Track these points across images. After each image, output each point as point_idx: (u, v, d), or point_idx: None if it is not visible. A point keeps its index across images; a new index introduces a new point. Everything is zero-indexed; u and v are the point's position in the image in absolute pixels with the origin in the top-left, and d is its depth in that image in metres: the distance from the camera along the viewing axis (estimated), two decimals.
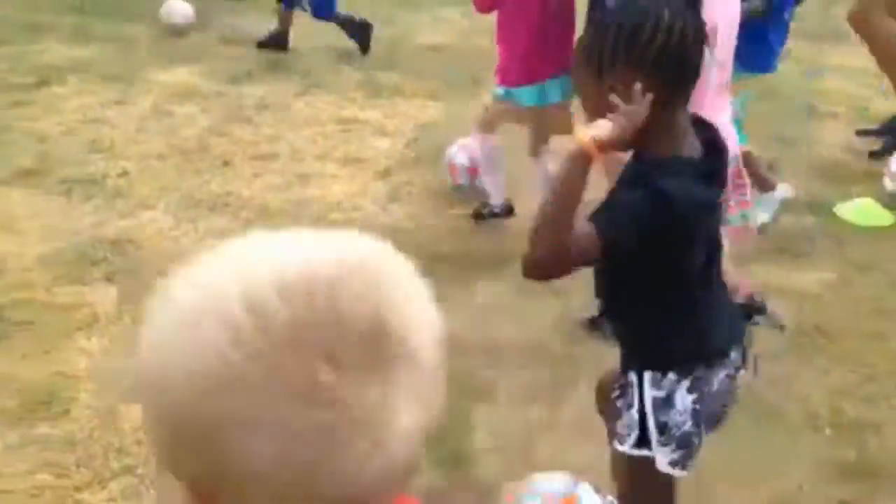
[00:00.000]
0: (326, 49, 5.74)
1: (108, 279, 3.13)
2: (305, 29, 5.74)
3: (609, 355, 2.77)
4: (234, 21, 6.15)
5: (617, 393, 1.68)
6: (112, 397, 2.46)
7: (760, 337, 2.47)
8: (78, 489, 2.23)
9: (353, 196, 3.91)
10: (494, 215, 3.67)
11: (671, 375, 1.59)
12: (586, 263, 1.56)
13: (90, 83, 5.05)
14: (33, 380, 2.58)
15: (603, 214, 1.50)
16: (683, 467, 1.63)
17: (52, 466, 2.28)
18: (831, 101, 5.22)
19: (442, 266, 3.14)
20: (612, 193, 1.59)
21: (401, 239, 0.88)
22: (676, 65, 1.51)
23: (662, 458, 1.61)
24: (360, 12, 5.74)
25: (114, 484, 2.23)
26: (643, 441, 1.61)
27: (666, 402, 1.59)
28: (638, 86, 1.47)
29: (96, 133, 4.36)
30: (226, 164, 4.12)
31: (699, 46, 1.53)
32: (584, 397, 2.32)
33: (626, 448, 1.64)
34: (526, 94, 3.29)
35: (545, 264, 1.52)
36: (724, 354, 1.65)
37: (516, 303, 3.09)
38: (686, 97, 1.56)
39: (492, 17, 3.37)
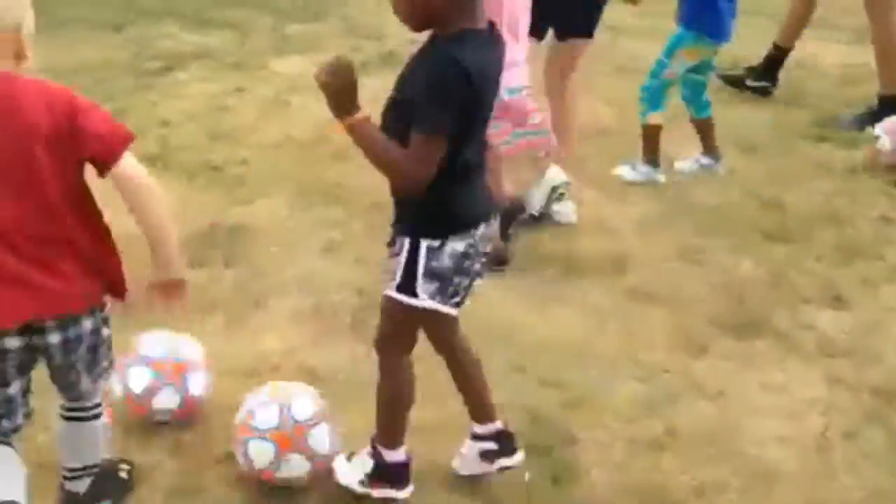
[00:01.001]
0: None
1: (226, 264, 3.27)
2: None
3: (722, 370, 2.79)
4: (351, 11, 6.30)
5: (394, 248, 1.98)
6: (229, 380, 2.57)
7: None
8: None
9: None
10: None
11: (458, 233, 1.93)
12: (440, 160, 1.81)
13: (212, 70, 5.26)
14: None
15: (421, 116, 1.79)
16: (443, 301, 1.96)
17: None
18: None
19: None
20: (413, 79, 1.85)
21: None
22: None
23: (423, 293, 1.92)
24: None
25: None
26: (406, 288, 1.93)
27: (438, 253, 1.91)
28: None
29: (217, 120, 4.55)
30: (340, 155, 4.23)
31: None
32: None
33: (389, 292, 1.98)
34: None
35: (408, 184, 1.87)
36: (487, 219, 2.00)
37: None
38: None
39: None
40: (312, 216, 3.69)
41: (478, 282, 2.09)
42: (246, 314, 3.01)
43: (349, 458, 2.22)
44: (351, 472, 2.18)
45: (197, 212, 3.60)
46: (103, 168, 1.82)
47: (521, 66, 3.03)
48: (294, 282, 3.20)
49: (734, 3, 3.83)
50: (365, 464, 2.16)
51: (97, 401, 2.07)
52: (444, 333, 2.15)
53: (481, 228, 1.96)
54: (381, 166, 1.89)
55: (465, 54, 1.76)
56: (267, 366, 2.73)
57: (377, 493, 2.16)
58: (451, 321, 2.10)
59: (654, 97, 3.93)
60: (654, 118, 3.96)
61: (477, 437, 2.25)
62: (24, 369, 1.89)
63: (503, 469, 2.26)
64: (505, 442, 2.25)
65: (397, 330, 2.07)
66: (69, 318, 1.86)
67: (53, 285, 1.81)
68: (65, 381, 1.98)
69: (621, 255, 3.49)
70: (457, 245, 1.92)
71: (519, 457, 2.27)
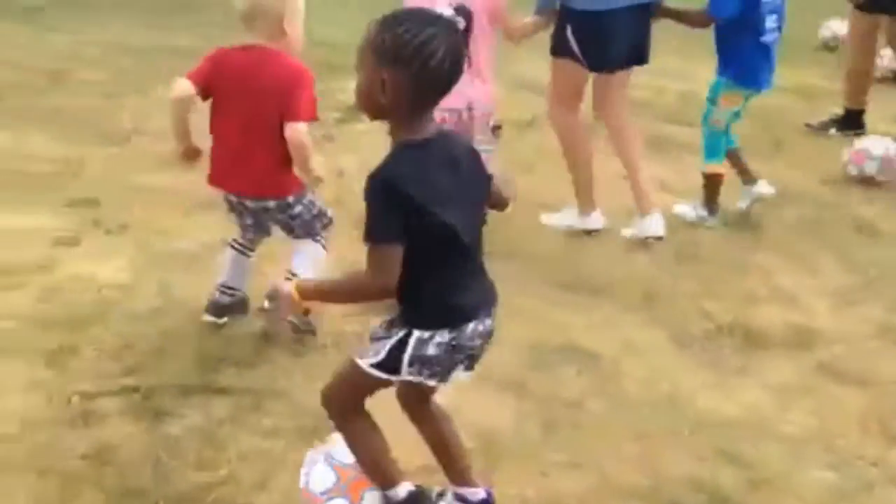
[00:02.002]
0: None
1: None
2: None
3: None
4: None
5: (381, 331, 2.01)
6: None
7: None
8: None
9: None
10: None
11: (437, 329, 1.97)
12: (400, 267, 1.87)
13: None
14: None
15: (364, 228, 1.88)
16: (429, 377, 2.00)
17: None
18: None
19: None
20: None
21: None
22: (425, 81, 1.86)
23: (405, 374, 1.98)
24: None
25: None
26: (386, 367, 1.98)
27: (426, 343, 1.96)
28: None
29: None
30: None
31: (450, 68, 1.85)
32: None
33: (363, 362, 2.01)
34: None
35: (378, 295, 1.94)
36: (478, 315, 2.01)
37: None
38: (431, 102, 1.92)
39: None
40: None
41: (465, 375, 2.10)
42: None
43: None
44: None
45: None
46: (286, 121, 2.87)
47: None
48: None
49: (767, 50, 3.93)
50: None
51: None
52: (416, 394, 2.17)
53: (472, 324, 2.00)
54: (351, 298, 2.14)
55: (392, 169, 1.89)
56: None
57: None
58: (426, 391, 2.13)
59: (709, 146, 4.09)
60: (711, 167, 4.10)
61: (462, 501, 2.25)
62: None
63: None
64: None
65: (359, 392, 2.10)
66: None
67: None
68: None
69: (808, 328, 3.29)
70: (445, 336, 1.97)
71: None
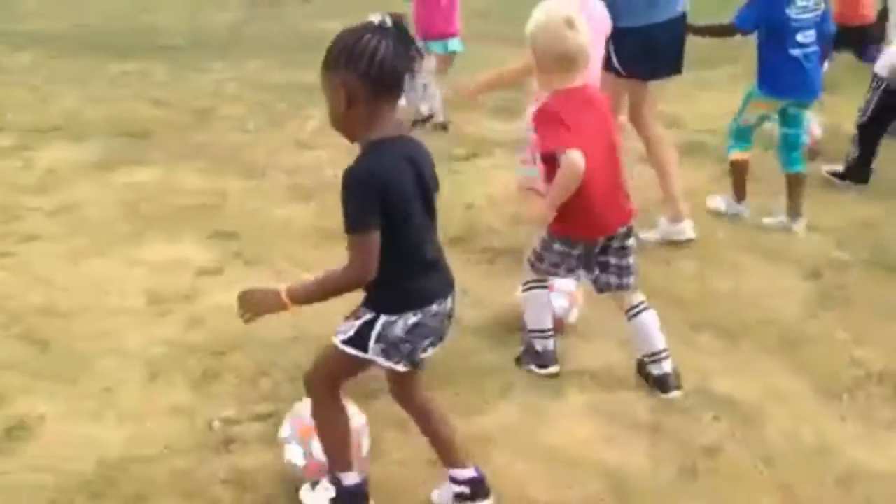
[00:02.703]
0: None
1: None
2: None
3: None
4: None
5: (353, 314, 2.26)
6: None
7: None
8: None
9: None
10: None
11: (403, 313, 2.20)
12: (377, 254, 2.10)
13: (514, 157, 5.49)
14: None
15: (344, 219, 2.09)
16: (398, 362, 2.24)
17: None
18: None
19: None
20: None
21: None
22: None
23: (372, 353, 2.22)
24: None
25: None
26: (355, 343, 2.23)
27: (392, 325, 2.20)
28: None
29: (518, 207, 4.72)
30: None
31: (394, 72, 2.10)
32: None
33: (336, 339, 2.26)
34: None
35: (360, 283, 2.15)
36: (438, 298, 2.25)
37: None
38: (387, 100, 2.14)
39: None
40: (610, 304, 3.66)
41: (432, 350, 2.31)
42: (542, 403, 3.02)
43: (313, 487, 2.44)
44: (316, 499, 2.42)
45: (498, 294, 3.72)
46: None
47: None
48: (590, 372, 3.17)
49: (798, 62, 4.18)
50: (328, 489, 2.42)
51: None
52: (401, 388, 2.44)
53: (434, 306, 2.24)
54: (336, 293, 2.17)
55: (365, 162, 2.13)
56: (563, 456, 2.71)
57: None
58: (407, 377, 2.36)
59: (736, 136, 4.50)
60: (736, 154, 4.51)
61: (453, 480, 2.45)
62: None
63: None
64: (477, 488, 2.44)
65: (334, 373, 2.35)
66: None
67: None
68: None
69: None
70: (410, 319, 2.21)
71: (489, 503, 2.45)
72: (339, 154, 5.43)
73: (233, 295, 3.58)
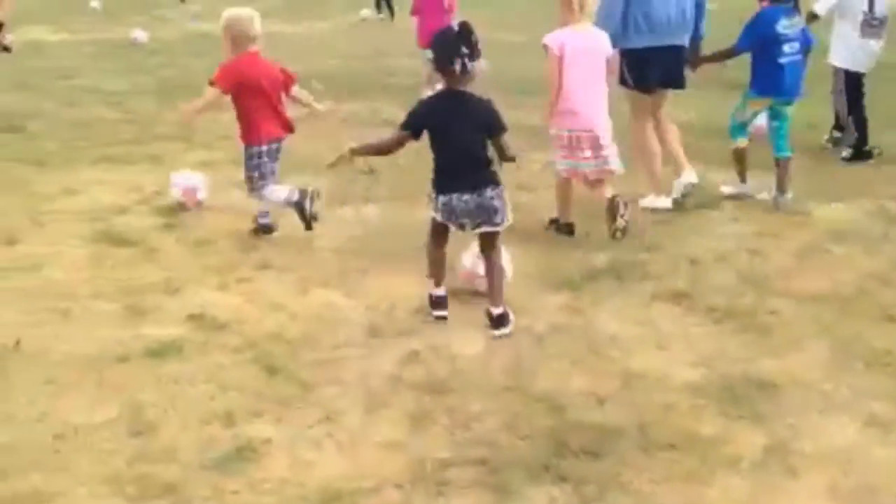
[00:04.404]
0: None
1: (753, 420, 3.15)
2: None
3: None
4: None
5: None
6: None
7: None
8: None
9: None
10: None
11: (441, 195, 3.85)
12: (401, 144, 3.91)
13: (746, 210, 5.31)
14: None
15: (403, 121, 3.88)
16: (451, 222, 3.86)
17: None
18: None
19: None
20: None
21: None
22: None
23: (435, 213, 3.87)
24: None
25: None
26: (434, 211, 3.91)
27: (438, 199, 3.86)
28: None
29: (749, 263, 4.53)
30: (889, 315, 3.89)
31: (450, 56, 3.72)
32: None
33: (430, 213, 3.95)
34: None
35: (390, 152, 4.01)
36: (458, 191, 3.81)
37: None
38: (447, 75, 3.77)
39: None
40: (852, 381, 3.41)
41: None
42: (775, 481, 2.84)
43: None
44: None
45: (723, 358, 3.57)
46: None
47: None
48: (832, 454, 2.95)
49: (784, 69, 5.33)
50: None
51: None
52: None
53: (454, 196, 3.79)
54: (380, 152, 4.11)
55: (428, 101, 4.01)
56: None
57: (435, 312, 3.97)
58: (485, 245, 3.93)
59: (734, 130, 5.63)
60: (735, 144, 5.62)
61: (487, 313, 3.88)
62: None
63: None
64: (497, 320, 3.82)
65: (435, 232, 3.97)
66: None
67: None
68: None
69: None
70: (442, 199, 3.82)
71: (507, 329, 3.80)
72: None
73: (449, 334, 3.74)
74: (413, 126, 3.78)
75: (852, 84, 6.55)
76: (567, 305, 4.09)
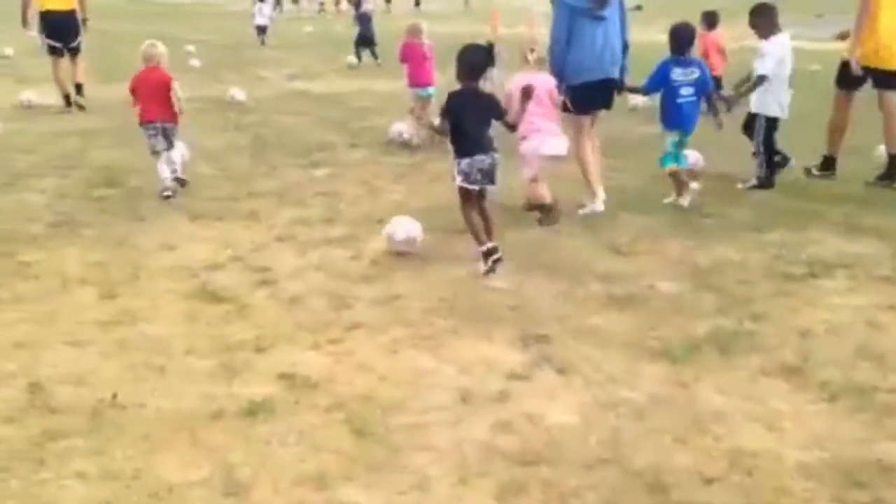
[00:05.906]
0: None
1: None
2: None
3: None
4: None
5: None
6: None
7: None
8: None
9: None
10: None
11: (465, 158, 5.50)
12: (450, 126, 5.53)
13: (861, 282, 5.12)
14: None
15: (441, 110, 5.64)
16: (470, 183, 5.49)
17: None
18: None
19: None
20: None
21: None
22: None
23: (460, 179, 5.50)
24: None
25: None
26: (457, 177, 5.54)
27: (461, 162, 5.50)
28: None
29: (866, 338, 4.35)
30: None
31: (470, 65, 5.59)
32: None
33: (455, 182, 5.57)
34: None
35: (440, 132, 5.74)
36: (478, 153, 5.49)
37: None
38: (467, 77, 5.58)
39: None
40: None
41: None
42: None
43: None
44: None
45: (839, 439, 3.42)
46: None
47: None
48: None
49: (681, 108, 6.80)
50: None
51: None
52: (468, 200, 5.51)
53: (477, 157, 5.41)
54: (439, 133, 5.80)
55: (455, 95, 5.51)
56: None
57: (493, 257, 5.38)
58: (470, 193, 5.50)
59: (662, 160, 6.97)
60: (668, 169, 6.95)
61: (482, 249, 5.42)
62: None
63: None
64: (487, 257, 5.37)
65: (464, 197, 5.52)
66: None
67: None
68: None
69: None
70: (464, 161, 5.41)
71: (498, 254, 5.38)
72: (664, 265, 5.41)
73: (542, 402, 3.70)
74: (449, 112, 5.45)
75: (772, 127, 7.49)
76: (668, 376, 4.00)
